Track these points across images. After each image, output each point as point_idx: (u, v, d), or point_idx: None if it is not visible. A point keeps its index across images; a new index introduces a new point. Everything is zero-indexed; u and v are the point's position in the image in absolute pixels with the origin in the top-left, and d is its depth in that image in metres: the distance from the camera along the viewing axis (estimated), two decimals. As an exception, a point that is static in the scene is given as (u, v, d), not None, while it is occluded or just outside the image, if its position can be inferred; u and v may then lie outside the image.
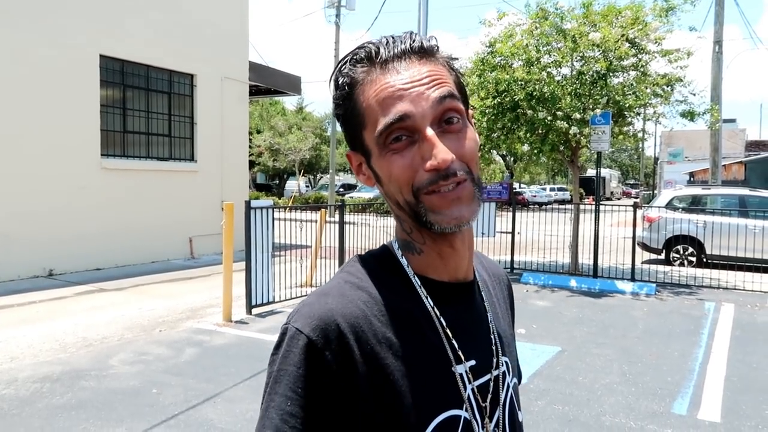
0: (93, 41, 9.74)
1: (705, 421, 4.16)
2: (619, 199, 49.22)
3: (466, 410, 0.81)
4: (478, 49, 10.07)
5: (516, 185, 37.81)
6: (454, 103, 0.79)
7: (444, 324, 0.82)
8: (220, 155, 12.17)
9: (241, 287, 7.04)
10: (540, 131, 9.55)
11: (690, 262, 11.38)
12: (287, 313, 0.82)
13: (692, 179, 24.85)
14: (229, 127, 12.37)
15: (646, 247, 11.94)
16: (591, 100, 9.28)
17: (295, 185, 34.69)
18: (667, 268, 11.10)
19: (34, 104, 8.96)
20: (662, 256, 11.92)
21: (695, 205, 11.87)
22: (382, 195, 0.85)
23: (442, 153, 0.75)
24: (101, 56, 9.95)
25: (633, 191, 54.92)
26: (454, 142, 0.78)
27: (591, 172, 35.59)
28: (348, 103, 0.82)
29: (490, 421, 0.84)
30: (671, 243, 11.63)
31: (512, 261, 10.45)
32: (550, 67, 9.55)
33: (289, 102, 39.26)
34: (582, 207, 10.84)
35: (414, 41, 0.80)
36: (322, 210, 9.27)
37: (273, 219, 7.30)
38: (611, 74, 9.29)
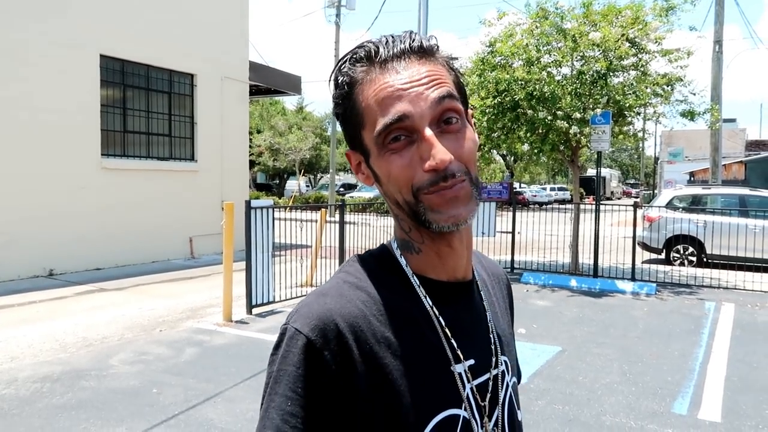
0: (93, 41, 9.74)
1: (705, 421, 4.16)
2: (619, 198, 49.21)
3: (465, 409, 0.81)
4: (478, 48, 10.09)
5: (516, 185, 37.81)
6: (453, 103, 0.79)
7: (443, 323, 0.82)
8: (221, 155, 12.17)
9: (241, 287, 7.04)
10: (540, 131, 9.55)
11: (690, 262, 11.38)
12: (287, 313, 0.82)
13: (692, 179, 24.84)
14: (230, 127, 12.37)
15: (646, 247, 11.94)
16: (591, 100, 9.28)
17: (295, 185, 34.70)
18: (668, 267, 11.10)
19: (34, 104, 8.95)
20: (662, 256, 11.92)
21: (695, 204, 11.87)
22: (381, 194, 0.85)
23: (441, 153, 0.75)
24: (101, 56, 9.95)
25: (633, 191, 54.94)
26: (452, 143, 0.78)
27: (591, 171, 35.58)
28: (347, 103, 0.82)
29: (489, 421, 0.85)
30: (671, 243, 11.63)
31: (512, 261, 10.45)
32: (550, 67, 9.55)
33: (289, 102, 39.31)
34: (582, 207, 10.84)
35: (413, 41, 0.80)
36: (323, 210, 9.28)
37: (273, 219, 7.30)
38: (611, 74, 9.29)
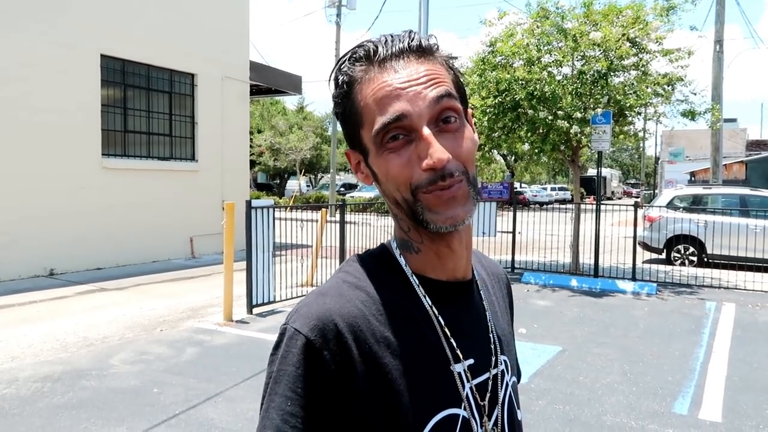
0: (94, 41, 9.75)
1: (706, 421, 4.16)
2: (619, 198, 49.21)
3: (465, 409, 0.81)
4: (478, 48, 10.09)
5: (517, 185, 37.77)
6: (452, 102, 0.79)
7: (442, 323, 0.82)
8: (221, 155, 12.17)
9: (241, 287, 7.04)
10: (541, 131, 9.55)
11: (691, 262, 11.38)
12: (288, 313, 0.82)
13: (693, 179, 24.84)
14: (230, 127, 12.37)
15: (647, 247, 11.94)
16: (592, 100, 9.28)
17: (295, 185, 34.69)
18: (668, 267, 11.10)
19: (34, 104, 8.96)
20: (663, 256, 11.91)
21: (696, 204, 11.86)
22: (380, 193, 0.85)
23: (438, 152, 0.75)
24: (102, 56, 9.95)
25: (634, 191, 54.98)
26: (450, 142, 0.78)
27: (592, 171, 35.57)
28: (346, 102, 0.82)
29: (489, 420, 0.85)
30: (672, 242, 11.63)
31: (513, 261, 10.45)
32: (550, 67, 9.55)
33: (289, 101, 39.32)
34: (583, 206, 10.84)
35: (412, 40, 0.80)
36: (323, 209, 9.28)
37: (274, 218, 7.30)
38: (612, 74, 9.29)
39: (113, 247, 10.01)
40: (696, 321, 7.07)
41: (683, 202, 12.00)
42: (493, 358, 0.87)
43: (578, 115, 8.87)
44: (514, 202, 11.80)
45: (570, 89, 9.11)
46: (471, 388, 0.82)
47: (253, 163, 31.27)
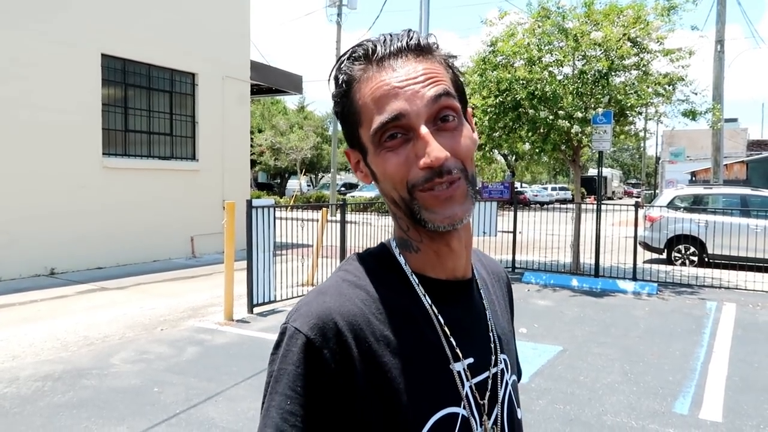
0: (94, 40, 9.75)
1: (706, 421, 4.16)
2: (620, 198, 49.18)
3: (464, 408, 0.81)
4: (479, 48, 10.08)
5: (517, 184, 37.77)
6: (450, 101, 0.79)
7: (442, 322, 0.82)
8: (222, 154, 12.18)
9: (242, 286, 7.05)
10: (542, 130, 9.54)
11: (692, 262, 11.37)
12: (288, 312, 0.83)
13: (694, 179, 24.82)
14: (231, 126, 12.38)
15: (647, 247, 11.93)
16: (593, 100, 9.27)
17: (296, 184, 34.67)
18: (669, 267, 11.09)
19: (35, 103, 8.96)
20: (664, 256, 11.90)
21: (697, 204, 11.85)
22: (380, 192, 0.85)
23: (436, 151, 0.76)
24: (103, 55, 9.96)
25: (634, 191, 54.94)
26: (449, 140, 0.78)
27: (592, 171, 35.54)
28: (346, 101, 0.82)
29: (488, 419, 0.85)
30: (673, 242, 11.62)
31: (514, 260, 10.45)
32: (551, 66, 9.55)
33: (290, 101, 39.30)
34: (583, 206, 10.84)
35: (411, 39, 0.81)
36: (324, 209, 9.28)
37: (274, 218, 7.30)
38: (613, 73, 9.28)
39: (114, 247, 10.02)
40: (697, 321, 7.07)
41: (684, 202, 12.00)
42: (493, 357, 0.87)
43: (579, 114, 8.87)
44: (515, 201, 11.80)
45: (571, 89, 9.11)
46: (470, 386, 0.83)
47: (253, 163, 31.26)
